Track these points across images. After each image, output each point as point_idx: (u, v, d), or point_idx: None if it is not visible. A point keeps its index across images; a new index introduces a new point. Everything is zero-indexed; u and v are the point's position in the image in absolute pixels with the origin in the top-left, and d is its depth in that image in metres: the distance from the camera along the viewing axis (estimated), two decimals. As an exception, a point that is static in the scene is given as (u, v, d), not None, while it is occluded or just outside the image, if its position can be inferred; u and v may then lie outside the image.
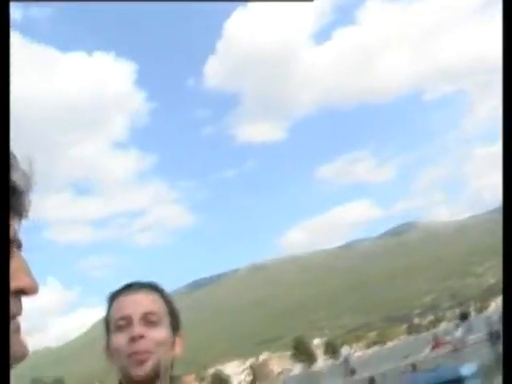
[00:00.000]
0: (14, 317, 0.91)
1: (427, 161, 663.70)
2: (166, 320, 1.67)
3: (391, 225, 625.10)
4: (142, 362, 1.56)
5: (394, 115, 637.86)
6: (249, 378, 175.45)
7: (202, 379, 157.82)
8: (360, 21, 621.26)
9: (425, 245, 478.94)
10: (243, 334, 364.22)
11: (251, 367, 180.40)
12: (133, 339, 1.57)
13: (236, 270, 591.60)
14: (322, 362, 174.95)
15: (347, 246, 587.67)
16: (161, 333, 1.62)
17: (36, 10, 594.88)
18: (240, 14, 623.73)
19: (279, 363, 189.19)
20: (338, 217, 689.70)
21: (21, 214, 0.94)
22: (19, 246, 0.93)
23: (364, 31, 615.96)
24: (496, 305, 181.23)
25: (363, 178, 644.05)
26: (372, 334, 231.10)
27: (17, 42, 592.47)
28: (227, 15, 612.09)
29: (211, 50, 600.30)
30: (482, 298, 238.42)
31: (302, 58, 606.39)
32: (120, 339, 1.59)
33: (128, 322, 1.61)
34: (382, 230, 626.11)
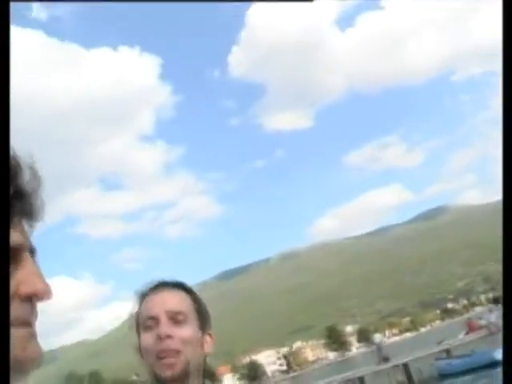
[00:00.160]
0: (28, 323, 0.91)
1: (458, 143, 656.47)
2: (193, 319, 1.68)
3: (422, 209, 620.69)
4: (170, 363, 1.58)
5: (423, 99, 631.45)
6: (283, 368, 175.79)
7: (237, 369, 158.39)
8: (384, 5, 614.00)
9: (457, 228, 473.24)
10: (275, 323, 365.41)
11: (285, 356, 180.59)
12: (160, 338, 1.60)
13: (267, 260, 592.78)
14: (355, 349, 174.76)
15: (378, 232, 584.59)
16: (188, 331, 1.64)
17: (60, 9, 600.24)
18: (262, 2, 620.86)
19: (312, 352, 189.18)
20: (369, 203, 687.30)
21: (31, 217, 0.93)
22: (32, 251, 0.92)
23: (389, 15, 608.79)
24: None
25: (393, 163, 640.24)
26: (405, 320, 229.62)
27: (42, 41, 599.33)
28: (249, 4, 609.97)
29: (235, 40, 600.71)
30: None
31: (326, 44, 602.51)
32: (148, 339, 1.62)
33: (155, 321, 1.63)
34: (413, 214, 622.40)
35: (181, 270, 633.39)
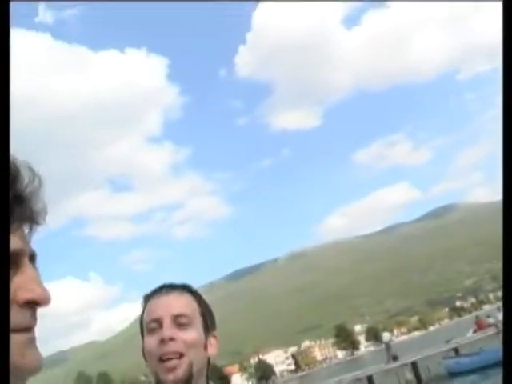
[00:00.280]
0: (27, 329, 0.91)
1: (465, 141, 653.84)
2: (198, 321, 1.67)
3: (430, 207, 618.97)
4: (172, 366, 1.58)
5: (429, 97, 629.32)
6: (291, 367, 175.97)
7: (245, 369, 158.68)
8: (390, 4, 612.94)
9: (465, 226, 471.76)
10: (284, 323, 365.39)
11: (293, 356, 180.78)
12: (163, 341, 1.59)
13: (275, 259, 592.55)
14: (363, 348, 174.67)
15: (387, 230, 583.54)
16: (192, 334, 1.63)
17: (67, 12, 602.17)
18: (268, 2, 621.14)
19: (321, 351, 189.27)
20: (377, 201, 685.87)
21: (32, 221, 0.92)
22: (32, 256, 0.91)
23: (395, 14, 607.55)
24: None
25: (400, 162, 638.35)
26: (414, 319, 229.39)
27: (49, 44, 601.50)
28: (256, 4, 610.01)
29: (241, 40, 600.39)
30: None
31: (333, 43, 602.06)
32: (152, 342, 1.62)
33: (159, 324, 1.62)
34: (422, 212, 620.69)
35: (189, 270, 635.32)
